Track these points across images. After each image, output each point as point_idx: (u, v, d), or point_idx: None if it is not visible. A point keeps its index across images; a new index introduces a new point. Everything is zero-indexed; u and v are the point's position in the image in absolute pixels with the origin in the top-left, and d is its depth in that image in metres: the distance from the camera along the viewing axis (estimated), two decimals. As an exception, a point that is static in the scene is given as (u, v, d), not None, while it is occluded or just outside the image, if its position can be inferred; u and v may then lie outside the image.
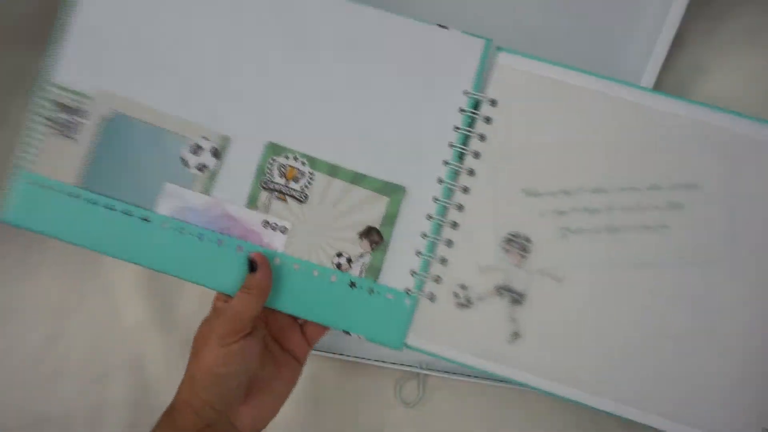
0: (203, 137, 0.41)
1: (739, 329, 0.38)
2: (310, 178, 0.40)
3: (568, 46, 0.52)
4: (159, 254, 0.40)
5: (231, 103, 0.41)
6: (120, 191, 0.41)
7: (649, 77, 0.51)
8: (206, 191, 0.40)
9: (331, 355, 0.52)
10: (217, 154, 0.41)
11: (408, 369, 0.52)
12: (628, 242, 0.37)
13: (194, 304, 0.55)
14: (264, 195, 0.40)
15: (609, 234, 0.37)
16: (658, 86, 0.52)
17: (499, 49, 0.40)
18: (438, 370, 0.52)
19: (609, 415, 0.37)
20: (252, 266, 0.38)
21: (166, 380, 0.55)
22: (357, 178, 0.40)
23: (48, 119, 0.41)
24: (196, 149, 0.41)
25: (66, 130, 0.41)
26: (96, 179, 0.41)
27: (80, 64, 0.41)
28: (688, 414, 0.37)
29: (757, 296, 0.38)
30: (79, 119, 0.41)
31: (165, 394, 0.54)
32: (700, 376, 0.37)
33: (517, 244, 0.39)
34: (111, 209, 0.41)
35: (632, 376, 0.37)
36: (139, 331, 0.56)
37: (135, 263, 0.41)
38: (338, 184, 0.40)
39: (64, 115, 0.41)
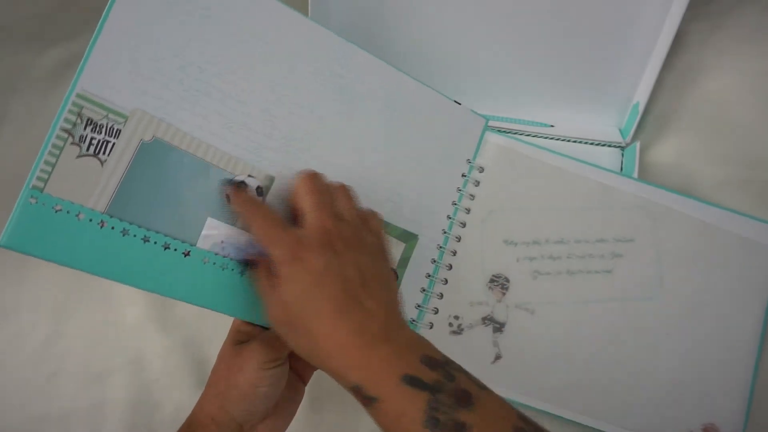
0: (249, 175, 0.41)
1: (669, 350, 0.50)
2: (345, 222, 0.44)
3: (569, 47, 0.54)
4: (197, 289, 0.40)
5: (277, 143, 0.42)
6: (157, 223, 0.39)
7: (649, 77, 0.53)
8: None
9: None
10: (261, 192, 0.42)
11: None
12: (583, 283, 0.50)
13: (194, 304, 0.54)
14: (303, 234, 0.43)
15: (568, 276, 0.50)
16: (658, 86, 0.54)
17: (486, 128, 0.50)
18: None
19: (570, 422, 0.49)
20: None
21: (166, 380, 0.54)
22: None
23: (73, 135, 0.37)
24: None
25: (95, 149, 0.37)
26: (128, 208, 0.38)
27: (119, 76, 0.37)
28: (632, 420, 0.49)
29: (678, 325, 0.50)
30: (110, 139, 0.38)
31: (165, 394, 0.54)
32: (639, 389, 0.49)
33: (499, 284, 0.50)
34: (146, 241, 0.39)
35: (590, 390, 0.49)
36: (139, 331, 0.55)
37: (169, 297, 0.39)
38: (367, 228, 0.45)
39: (93, 133, 0.37)
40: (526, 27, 0.54)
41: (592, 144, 0.58)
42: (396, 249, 0.46)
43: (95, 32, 0.37)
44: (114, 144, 0.38)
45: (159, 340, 0.55)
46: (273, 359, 0.39)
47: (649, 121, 0.59)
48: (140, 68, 0.38)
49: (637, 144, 0.55)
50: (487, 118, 0.50)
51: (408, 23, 0.54)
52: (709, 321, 0.50)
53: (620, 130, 0.59)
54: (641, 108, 0.56)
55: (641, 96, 0.56)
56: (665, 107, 0.59)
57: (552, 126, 0.58)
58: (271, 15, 0.41)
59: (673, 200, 0.51)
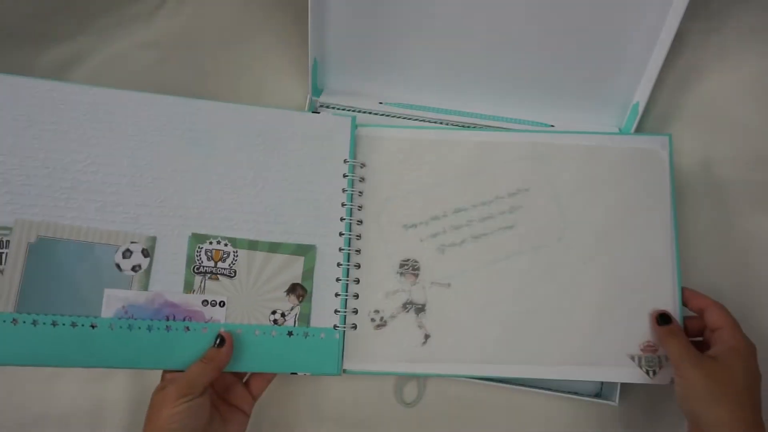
0: (131, 242, 0.46)
1: (589, 282, 0.50)
2: (235, 256, 0.48)
3: (569, 47, 0.54)
4: (111, 354, 0.45)
5: (151, 207, 0.47)
6: (61, 307, 0.44)
7: (649, 77, 0.53)
8: (144, 287, 0.46)
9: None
10: (147, 253, 0.46)
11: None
12: (489, 244, 0.50)
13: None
14: (198, 279, 0.47)
15: (474, 241, 0.50)
16: (658, 86, 0.54)
17: (355, 125, 0.51)
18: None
19: (521, 380, 0.49)
20: (220, 342, 0.45)
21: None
22: (274, 247, 0.48)
23: (-31, 258, 0.43)
24: (127, 253, 0.46)
25: (-9, 264, 0.44)
26: (33, 301, 0.44)
27: (-7, 200, 0.44)
28: (572, 358, 0.48)
29: (588, 260, 0.50)
30: (2, 250, 0.44)
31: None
32: (569, 327, 0.49)
33: (409, 268, 0.50)
34: (55, 325, 0.44)
35: (523, 341, 0.49)
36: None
37: (88, 367, 0.45)
38: (260, 255, 0.48)
39: (-15, 251, 0.44)
40: (526, 27, 0.54)
41: None
42: (295, 264, 0.49)
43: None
44: (6, 253, 0.44)
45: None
46: (184, 395, 0.43)
47: (649, 121, 0.59)
48: (11, 186, 0.45)
49: (636, 143, 0.55)
50: (353, 117, 0.51)
51: (407, 26, 0.55)
52: (621, 241, 0.50)
53: (620, 130, 0.58)
54: (641, 108, 0.55)
55: (641, 96, 0.55)
56: (665, 107, 0.59)
57: (552, 126, 0.58)
58: (110, 104, 0.47)
59: (552, 138, 0.51)
